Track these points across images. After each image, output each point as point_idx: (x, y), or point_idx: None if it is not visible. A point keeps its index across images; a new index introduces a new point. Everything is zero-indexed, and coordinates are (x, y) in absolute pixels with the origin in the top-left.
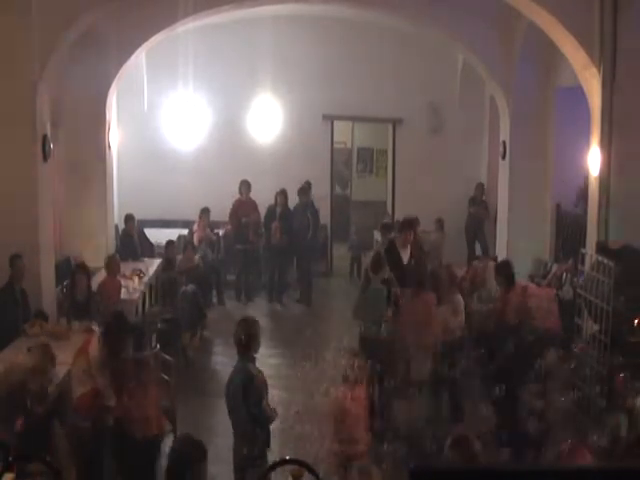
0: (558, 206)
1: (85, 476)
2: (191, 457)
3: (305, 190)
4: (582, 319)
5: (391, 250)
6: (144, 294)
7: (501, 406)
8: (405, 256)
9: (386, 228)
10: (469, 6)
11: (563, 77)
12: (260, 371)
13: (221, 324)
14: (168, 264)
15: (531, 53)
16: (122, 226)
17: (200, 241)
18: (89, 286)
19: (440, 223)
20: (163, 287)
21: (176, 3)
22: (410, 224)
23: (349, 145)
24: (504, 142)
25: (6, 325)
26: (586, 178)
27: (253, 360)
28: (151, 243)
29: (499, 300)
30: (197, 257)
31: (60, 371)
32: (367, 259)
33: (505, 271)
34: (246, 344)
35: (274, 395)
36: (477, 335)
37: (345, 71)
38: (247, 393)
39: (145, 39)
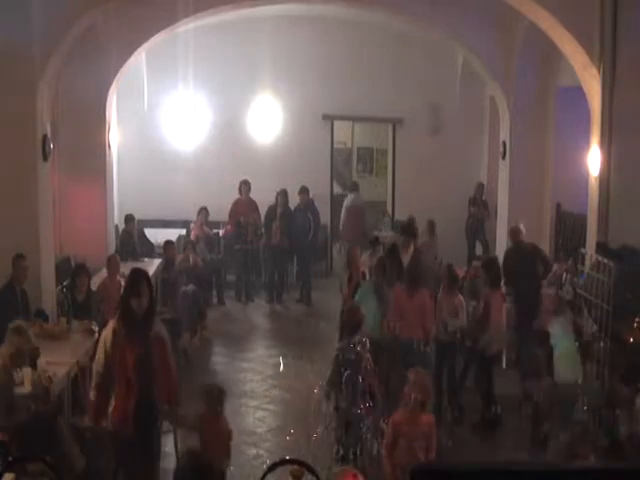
0: (558, 206)
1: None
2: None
3: (305, 190)
4: (582, 319)
5: (393, 253)
6: None
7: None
8: (406, 259)
9: (372, 243)
10: (469, 6)
11: (563, 77)
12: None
13: (221, 324)
14: (168, 264)
15: (531, 53)
16: (122, 226)
17: (197, 239)
18: (89, 286)
19: (431, 225)
20: (163, 287)
21: (176, 3)
22: (412, 230)
23: (349, 145)
24: (504, 142)
25: (6, 325)
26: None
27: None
28: (151, 243)
29: (484, 300)
30: (191, 258)
31: (59, 371)
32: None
33: (492, 270)
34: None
35: (274, 395)
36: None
37: (345, 71)
38: None
39: (145, 39)
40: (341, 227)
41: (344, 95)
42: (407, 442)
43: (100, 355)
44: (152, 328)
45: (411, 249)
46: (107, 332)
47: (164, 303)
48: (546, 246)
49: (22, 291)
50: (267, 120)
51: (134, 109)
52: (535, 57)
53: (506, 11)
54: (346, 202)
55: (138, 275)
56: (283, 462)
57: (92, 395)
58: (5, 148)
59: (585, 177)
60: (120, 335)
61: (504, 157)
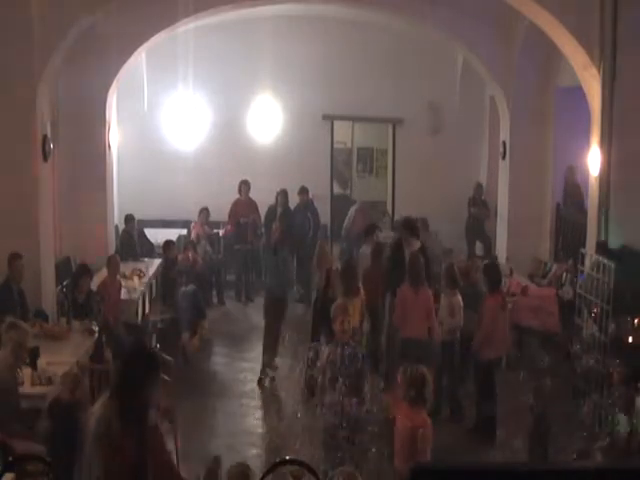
0: (558, 206)
1: None
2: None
3: (305, 190)
4: (582, 319)
5: (397, 248)
6: (144, 294)
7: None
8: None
9: (368, 230)
10: (469, 6)
11: (563, 77)
12: None
13: (221, 324)
14: (168, 264)
15: (531, 53)
16: (122, 226)
17: (197, 239)
18: (89, 286)
19: (424, 223)
20: (163, 287)
21: (176, 3)
22: (412, 226)
23: (349, 145)
24: (504, 142)
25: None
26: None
27: None
28: (151, 243)
29: (484, 304)
30: (191, 257)
31: (59, 371)
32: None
33: (491, 274)
34: None
35: (274, 395)
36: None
37: (345, 71)
38: None
39: (145, 39)
40: (347, 224)
41: (344, 95)
42: (401, 435)
43: (99, 448)
44: (150, 415)
45: (415, 245)
46: (99, 415)
47: (164, 303)
48: (546, 246)
49: (19, 290)
50: (267, 120)
51: (134, 109)
52: (535, 57)
53: (506, 11)
54: (351, 209)
55: (146, 362)
56: (283, 462)
57: None
58: (5, 148)
59: (585, 177)
60: (114, 420)
61: (504, 157)
